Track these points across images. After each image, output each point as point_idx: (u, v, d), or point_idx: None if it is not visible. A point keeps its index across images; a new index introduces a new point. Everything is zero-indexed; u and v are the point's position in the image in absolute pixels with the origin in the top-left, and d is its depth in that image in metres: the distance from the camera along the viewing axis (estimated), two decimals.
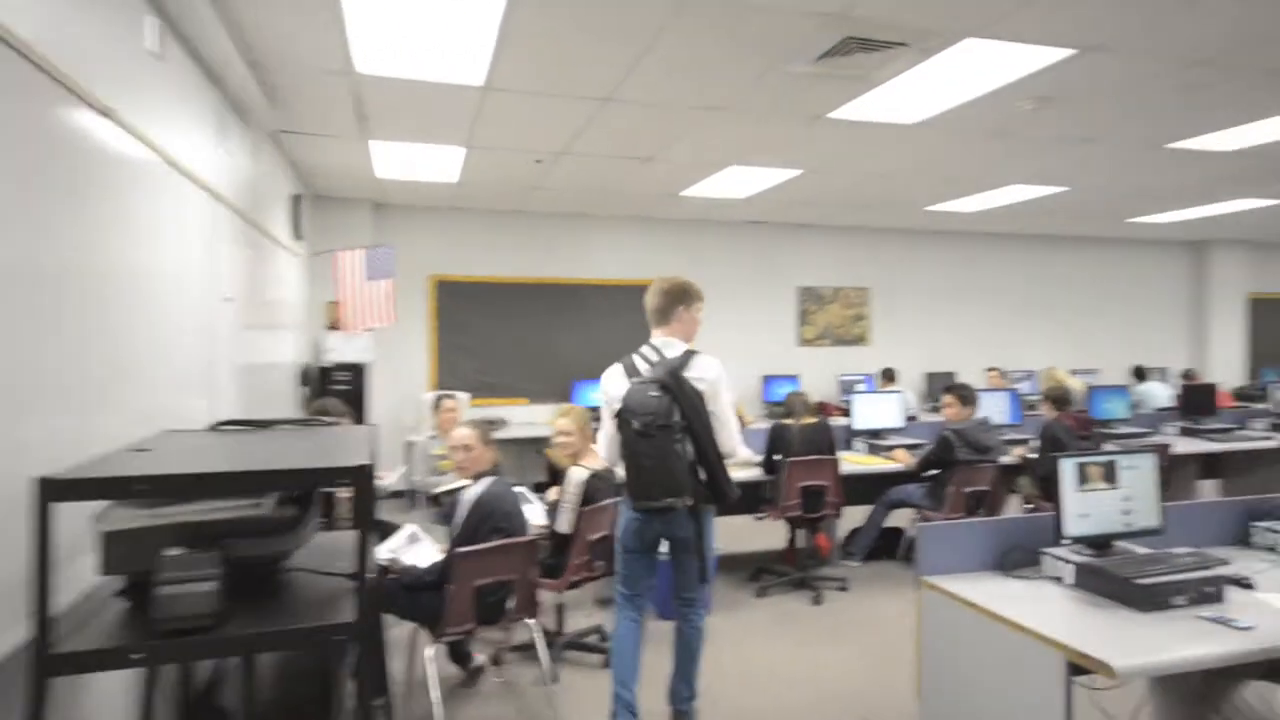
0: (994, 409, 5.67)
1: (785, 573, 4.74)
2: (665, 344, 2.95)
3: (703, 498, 2.83)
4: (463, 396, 6.59)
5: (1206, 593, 2.34)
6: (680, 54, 3.49)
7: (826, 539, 5.06)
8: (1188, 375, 8.60)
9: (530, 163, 5.55)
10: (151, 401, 2.57)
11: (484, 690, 3.42)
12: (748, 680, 3.49)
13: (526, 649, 3.57)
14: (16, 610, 1.60)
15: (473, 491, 3.04)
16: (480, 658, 3.56)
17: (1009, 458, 5.03)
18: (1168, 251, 9.81)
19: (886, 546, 5.21)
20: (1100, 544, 2.59)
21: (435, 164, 5.55)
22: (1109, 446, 5.21)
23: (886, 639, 3.88)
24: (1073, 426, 4.82)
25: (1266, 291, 10.10)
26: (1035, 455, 5.08)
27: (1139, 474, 2.66)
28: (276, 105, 4.17)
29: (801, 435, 4.53)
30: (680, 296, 3.01)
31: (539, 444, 7.13)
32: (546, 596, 3.50)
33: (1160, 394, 8.06)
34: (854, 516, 5.14)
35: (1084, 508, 2.58)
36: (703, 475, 2.81)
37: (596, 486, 3.53)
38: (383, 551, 3.31)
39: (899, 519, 5.28)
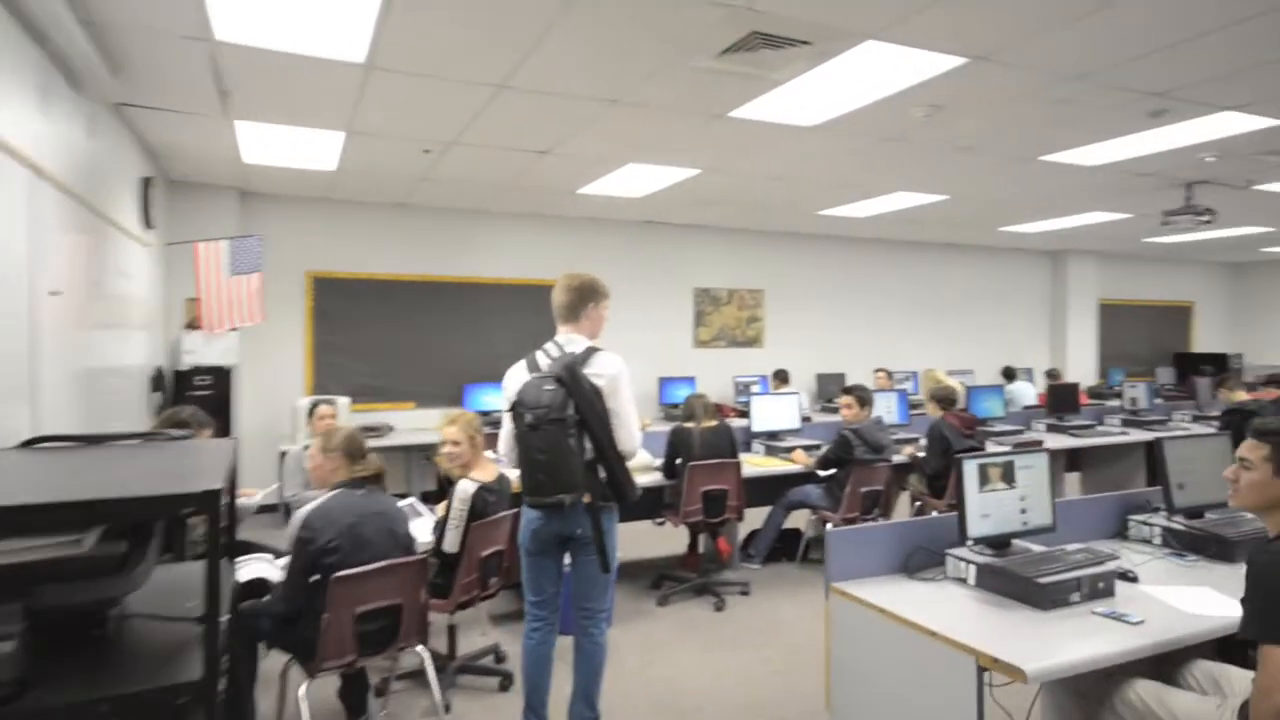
0: (884, 409, 5.83)
1: (686, 579, 4.65)
2: (568, 340, 2.85)
3: (602, 496, 2.74)
4: (342, 401, 6.15)
5: (1099, 588, 2.41)
6: (581, 40, 3.32)
7: (727, 543, 5.02)
8: (1052, 375, 9.25)
9: (418, 152, 5.21)
10: None
11: None
12: (653, 695, 3.36)
13: (416, 676, 3.29)
14: None
15: (303, 510, 2.71)
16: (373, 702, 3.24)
17: (900, 456, 5.16)
18: (1031, 260, 10.53)
19: (785, 548, 5.23)
20: (1000, 544, 2.63)
21: (311, 150, 5.10)
22: (991, 445, 5.46)
23: (791, 644, 3.86)
24: (957, 426, 5.00)
25: (1113, 298, 11.05)
26: (924, 454, 5.24)
27: (1034, 473, 2.72)
28: (119, 74, 3.67)
29: (702, 439, 4.46)
30: (589, 294, 2.90)
31: (428, 451, 6.75)
32: (437, 617, 3.24)
33: (1028, 393, 8.62)
34: (752, 518, 5.13)
35: (985, 508, 2.60)
36: (602, 474, 2.73)
37: (487, 500, 3.30)
38: (242, 575, 2.96)
39: (796, 519, 5.32)
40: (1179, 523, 2.92)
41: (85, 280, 3.57)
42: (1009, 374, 8.96)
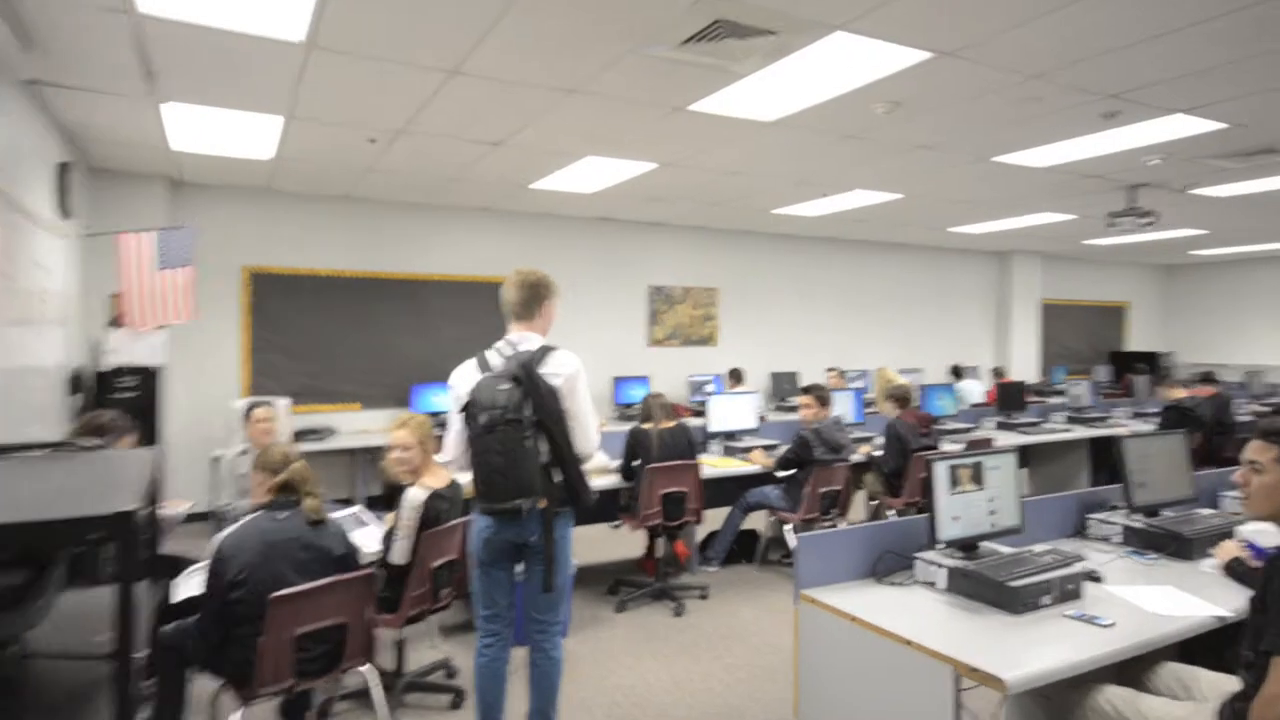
0: (840, 409, 5.82)
1: (644, 583, 4.54)
2: (522, 339, 2.71)
3: (558, 501, 2.61)
4: (282, 403, 5.85)
5: (1068, 590, 2.38)
6: (539, 24, 3.17)
7: (684, 545, 4.92)
8: (998, 373, 9.44)
9: (363, 141, 4.96)
10: None
11: None
12: (612, 707, 3.23)
13: (361, 696, 3.09)
14: None
15: (219, 535, 2.49)
16: None
17: (857, 456, 5.14)
18: (977, 260, 10.75)
19: (743, 549, 5.16)
20: (969, 546, 2.59)
21: (246, 136, 4.81)
22: (945, 443, 5.48)
23: (753, 649, 3.78)
24: (914, 424, 5.00)
25: (1055, 298, 11.37)
26: (880, 453, 5.23)
27: (1001, 474, 2.69)
28: (31, 49, 3.37)
29: (661, 440, 4.35)
30: (544, 290, 2.78)
31: (374, 454, 6.49)
32: (384, 632, 3.05)
33: (975, 391, 8.78)
34: (709, 520, 5.04)
35: (955, 510, 2.55)
36: (557, 477, 2.60)
37: (439, 507, 3.12)
38: (181, 593, 2.74)
39: (753, 521, 5.25)
40: (1139, 521, 2.93)
41: None
42: (957, 372, 9.12)
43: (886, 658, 2.16)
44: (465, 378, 2.64)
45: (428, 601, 3.12)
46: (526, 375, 2.54)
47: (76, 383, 5.03)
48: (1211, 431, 6.33)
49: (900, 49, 3.41)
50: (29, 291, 3.91)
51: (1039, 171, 5.73)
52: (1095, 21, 3.14)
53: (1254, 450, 2.02)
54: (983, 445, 5.58)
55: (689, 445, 4.41)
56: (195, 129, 4.64)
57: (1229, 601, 2.32)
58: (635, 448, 4.36)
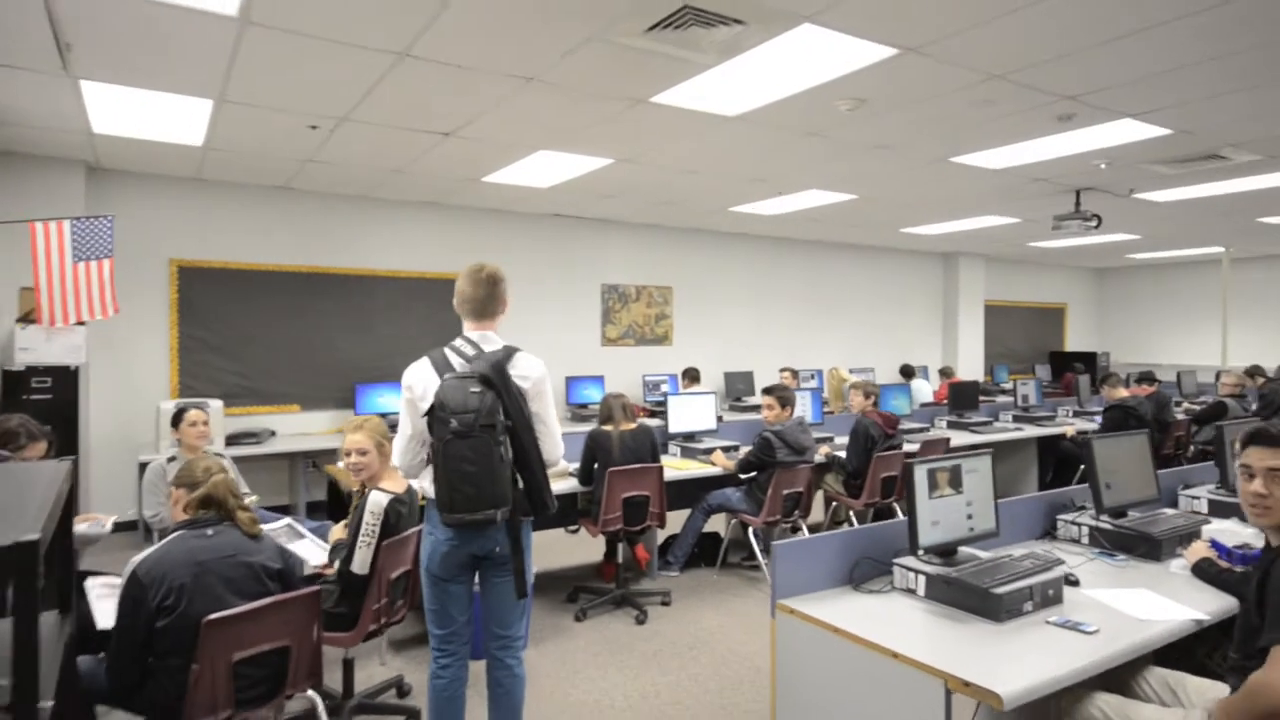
0: (797, 409, 5.77)
1: (604, 590, 4.39)
2: (483, 338, 2.52)
3: (522, 509, 2.46)
4: (215, 405, 5.51)
5: (1049, 596, 2.34)
6: (496, 4, 2.99)
7: (645, 550, 4.80)
8: (946, 373, 9.59)
9: (303, 128, 4.67)
10: None
11: None
12: None
13: None
14: None
15: (133, 560, 2.23)
16: None
17: (817, 456, 5.09)
18: (924, 261, 10.93)
19: (704, 553, 5.06)
20: (947, 551, 2.53)
21: (173, 120, 4.47)
22: (904, 445, 5.47)
23: (719, 657, 3.67)
24: (880, 424, 4.98)
25: (996, 299, 11.65)
26: (842, 453, 5.20)
27: (978, 477, 2.63)
28: None
29: (622, 442, 4.21)
30: (503, 287, 2.61)
31: (315, 457, 6.19)
32: (331, 651, 2.83)
33: (925, 390, 8.89)
34: (669, 523, 4.93)
35: (935, 515, 2.48)
36: (520, 484, 2.45)
37: (400, 513, 2.93)
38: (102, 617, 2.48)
39: (714, 523, 5.16)
40: (1107, 522, 2.93)
41: None
42: (907, 372, 9.22)
43: (872, 671, 2.07)
44: (422, 378, 2.44)
45: (385, 615, 2.93)
46: (500, 378, 2.38)
47: None
48: (1151, 429, 6.52)
49: (866, 44, 3.35)
50: None
51: (992, 173, 5.79)
52: (1056, 23, 3.15)
53: (1265, 456, 1.93)
54: (940, 444, 5.61)
55: (652, 448, 4.28)
56: (118, 110, 4.29)
57: (1203, 604, 2.31)
58: (595, 450, 4.21)
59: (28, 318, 4.85)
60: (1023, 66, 3.61)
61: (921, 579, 2.40)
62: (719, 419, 6.09)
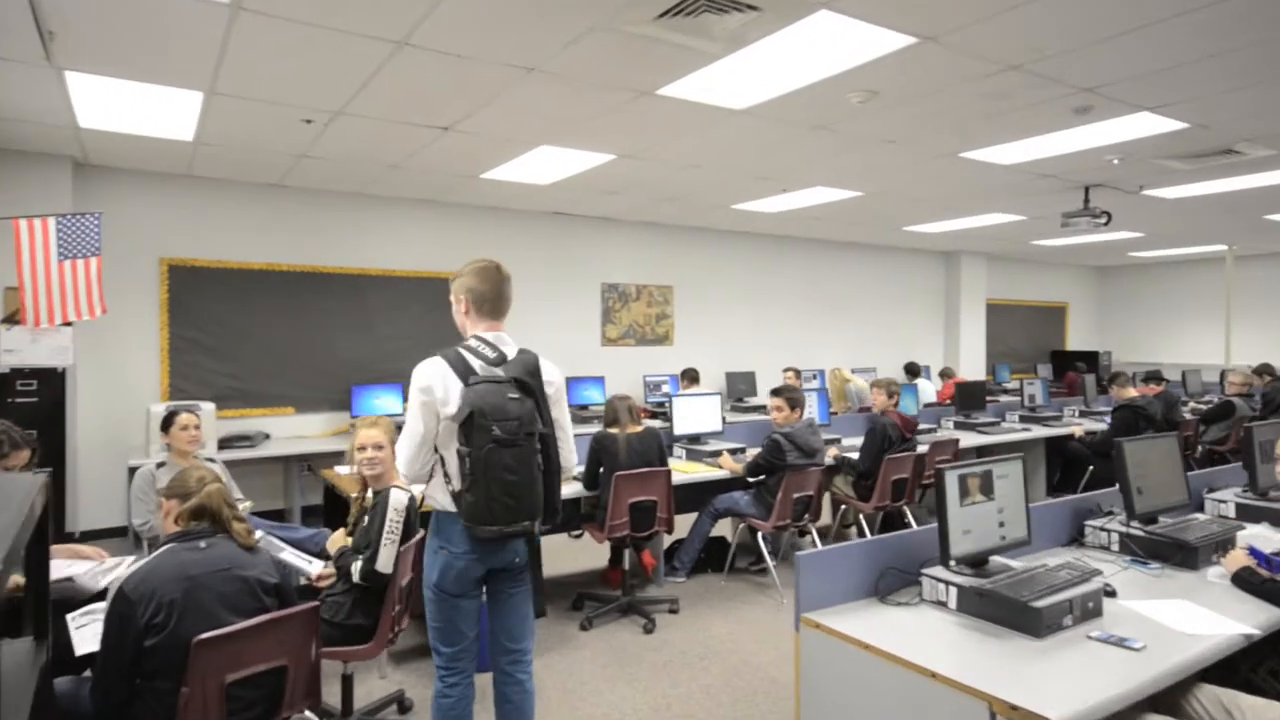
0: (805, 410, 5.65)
1: (610, 597, 4.26)
2: (499, 339, 2.36)
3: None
4: (207, 407, 5.36)
5: (1089, 608, 2.22)
6: None
7: (651, 555, 4.67)
8: (947, 374, 9.49)
9: (296, 122, 4.53)
10: None
11: None
12: None
13: None
14: None
15: (121, 574, 2.10)
16: None
17: (826, 458, 4.97)
18: (926, 260, 10.82)
19: (710, 558, 4.94)
20: (978, 561, 2.41)
21: (163, 113, 4.32)
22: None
23: (731, 668, 3.54)
24: (899, 425, 4.86)
25: (998, 298, 11.56)
26: (851, 455, 5.08)
27: (1009, 483, 2.51)
28: None
29: (628, 445, 4.08)
30: (511, 285, 2.45)
31: (310, 461, 6.04)
32: (328, 665, 2.70)
33: (929, 390, 8.78)
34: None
35: (966, 523, 2.37)
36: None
37: (412, 519, 2.83)
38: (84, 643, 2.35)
39: (720, 527, 5.03)
40: (1139, 528, 2.81)
41: None
42: (913, 370, 9.10)
43: (907, 691, 1.94)
44: (443, 380, 2.25)
45: (398, 624, 2.82)
46: (537, 383, 2.27)
47: None
48: (1161, 429, 6.43)
49: (883, 32, 3.23)
50: None
51: (1001, 169, 5.68)
52: (1080, 11, 3.04)
53: None
54: (949, 446, 5.50)
55: (659, 451, 4.15)
56: (105, 103, 4.15)
57: (1248, 616, 2.19)
58: (600, 454, 4.07)
59: (12, 318, 4.70)
60: (1042, 57, 3.50)
61: (953, 591, 2.28)
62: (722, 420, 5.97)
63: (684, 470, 4.68)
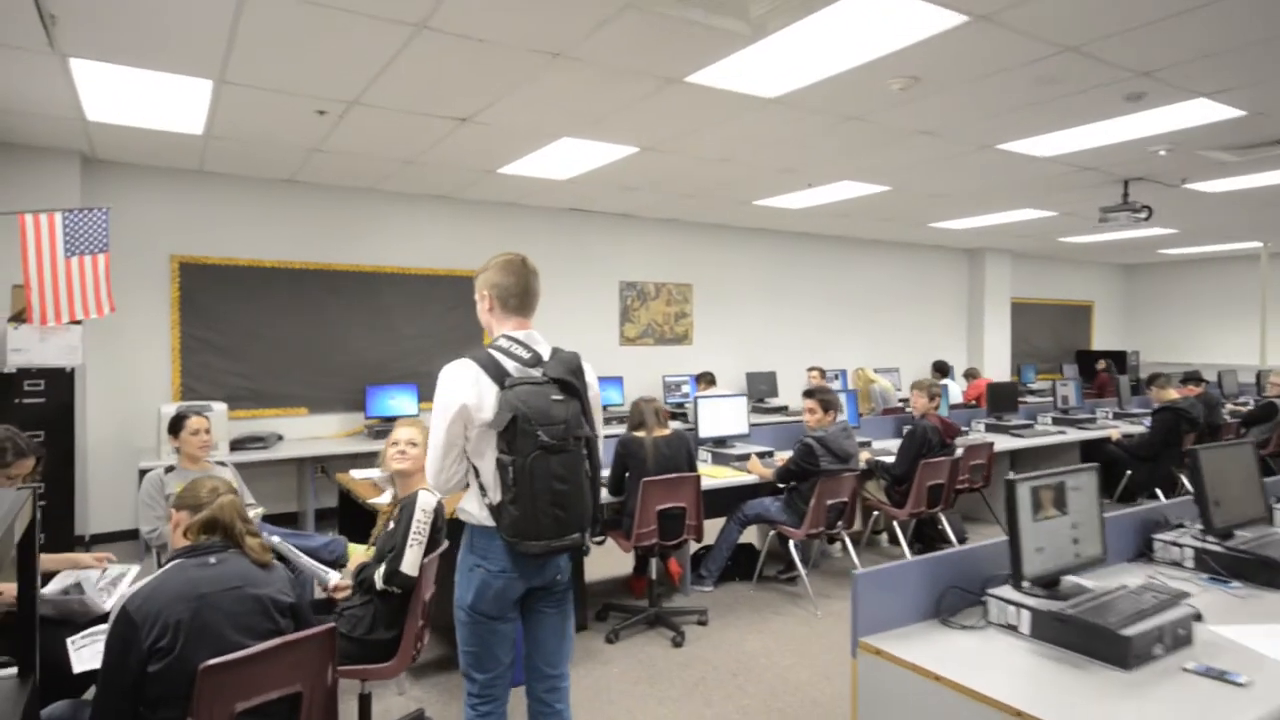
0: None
1: (636, 608, 4.08)
2: (530, 337, 2.18)
3: None
4: (219, 408, 5.23)
5: (1180, 636, 2.01)
6: None
7: (678, 563, 4.48)
8: (971, 374, 9.24)
9: (310, 113, 4.37)
10: None
11: None
12: None
13: None
14: None
15: (124, 593, 1.95)
16: None
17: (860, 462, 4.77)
18: (949, 257, 10.58)
19: (738, 566, 4.74)
20: (1050, 581, 2.21)
21: (171, 104, 4.17)
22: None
23: (769, 688, 3.35)
24: (940, 429, 4.65)
25: (1022, 296, 11.29)
26: (884, 458, 4.88)
27: (1083, 495, 2.31)
28: None
29: (656, 450, 3.90)
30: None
31: (324, 463, 5.89)
32: (344, 683, 2.53)
33: (955, 391, 8.55)
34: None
35: (1039, 540, 2.17)
36: None
37: (440, 523, 2.68)
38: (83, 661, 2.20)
39: (748, 534, 4.84)
40: (1216, 543, 2.60)
41: None
42: (942, 368, 8.84)
43: None
44: (476, 383, 2.05)
45: (420, 640, 2.65)
46: (582, 384, 2.10)
47: None
48: (1203, 433, 6.19)
49: (933, 10, 3.03)
50: None
51: (1040, 162, 5.46)
52: None
53: None
54: (984, 449, 5.28)
55: (688, 455, 3.97)
56: (113, 94, 4.00)
57: None
58: (626, 459, 3.89)
59: (20, 317, 4.57)
60: (1101, 36, 3.28)
61: (1025, 615, 2.08)
62: None
63: (711, 475, 4.49)
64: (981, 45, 3.37)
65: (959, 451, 5.13)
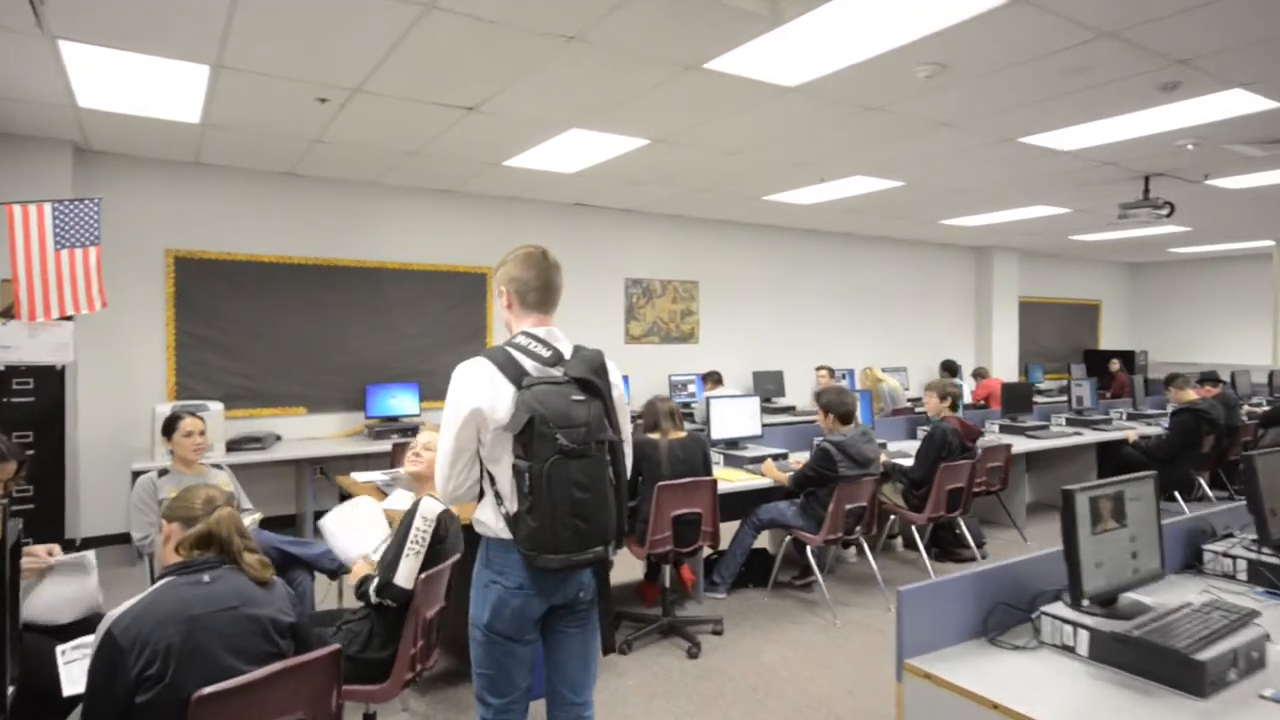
0: None
1: (649, 617, 3.93)
2: (550, 334, 2.03)
3: None
4: (215, 408, 5.07)
5: (1253, 659, 1.86)
6: None
7: (690, 570, 4.33)
8: (979, 374, 9.10)
9: (311, 100, 4.21)
10: None
11: None
12: None
13: None
14: None
15: (112, 614, 1.75)
16: None
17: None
18: (956, 255, 10.43)
19: (751, 572, 4.59)
20: (1108, 599, 2.06)
21: (166, 90, 4.01)
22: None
23: (791, 703, 3.20)
24: (960, 432, 4.51)
25: (1029, 295, 11.16)
26: (901, 460, 4.74)
27: (1142, 506, 2.16)
28: None
29: (671, 453, 3.75)
30: None
31: (323, 464, 5.73)
32: (353, 705, 2.38)
33: (964, 391, 8.41)
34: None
35: (1098, 555, 2.02)
36: None
37: (445, 533, 2.51)
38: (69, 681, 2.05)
39: (762, 539, 4.69)
40: (1270, 554, 2.46)
41: None
42: (951, 368, 8.70)
43: None
44: (492, 384, 1.89)
45: (420, 661, 2.49)
46: (605, 384, 1.94)
47: None
48: (1223, 434, 6.06)
49: None
50: None
51: (1061, 156, 5.31)
52: None
53: None
54: (1001, 451, 5.14)
55: (704, 459, 3.82)
56: (105, 80, 3.83)
57: None
58: (640, 462, 3.74)
59: (8, 312, 4.40)
60: (1142, 21, 3.13)
61: (1084, 635, 1.93)
62: None
63: (724, 478, 4.33)
64: (1017, 30, 3.22)
65: (978, 454, 4.99)
